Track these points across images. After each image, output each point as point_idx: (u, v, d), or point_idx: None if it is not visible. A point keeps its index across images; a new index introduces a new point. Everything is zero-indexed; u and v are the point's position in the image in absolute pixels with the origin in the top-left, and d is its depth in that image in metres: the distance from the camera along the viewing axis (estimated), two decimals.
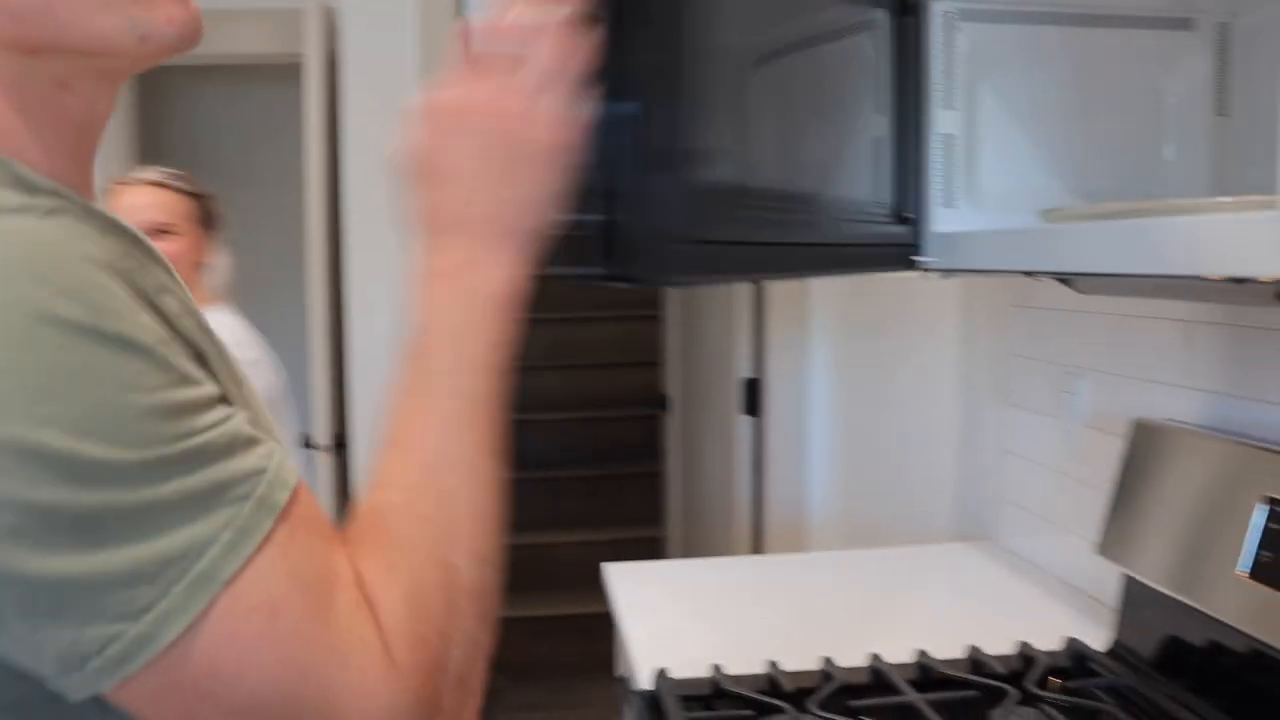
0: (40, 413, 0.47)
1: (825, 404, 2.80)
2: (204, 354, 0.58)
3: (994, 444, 1.87)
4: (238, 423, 0.54)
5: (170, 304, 0.56)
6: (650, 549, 4.26)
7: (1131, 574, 1.29)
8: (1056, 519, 1.64)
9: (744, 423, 2.90)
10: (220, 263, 2.26)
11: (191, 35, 0.63)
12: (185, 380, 0.52)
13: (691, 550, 3.54)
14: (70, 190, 0.57)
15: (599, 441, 4.82)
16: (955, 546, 1.89)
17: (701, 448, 3.30)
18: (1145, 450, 1.30)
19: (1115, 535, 1.31)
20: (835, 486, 2.74)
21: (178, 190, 2.11)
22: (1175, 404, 1.34)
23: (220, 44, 2.96)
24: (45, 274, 0.49)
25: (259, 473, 0.54)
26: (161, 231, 2.02)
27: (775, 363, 2.83)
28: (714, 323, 3.13)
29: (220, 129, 4.15)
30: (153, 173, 2.13)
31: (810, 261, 1.14)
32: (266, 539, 0.53)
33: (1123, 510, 1.31)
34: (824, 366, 2.80)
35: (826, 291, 2.77)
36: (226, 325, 2.07)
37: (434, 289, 0.67)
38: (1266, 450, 1.12)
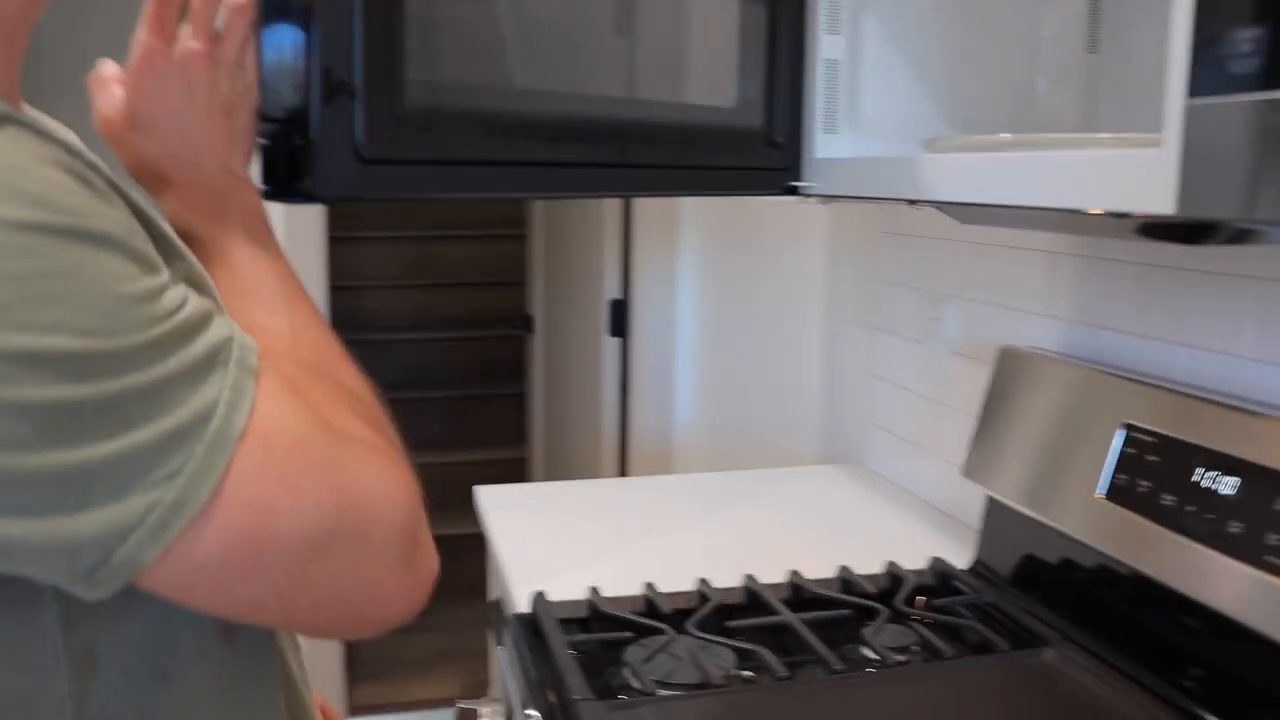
0: (45, 320, 0.50)
1: (693, 326, 2.82)
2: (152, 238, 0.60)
3: (862, 368, 1.91)
4: (198, 298, 0.59)
5: (116, 201, 0.58)
6: (515, 470, 4.26)
7: (994, 495, 1.34)
8: (923, 442, 1.70)
9: (610, 344, 2.91)
10: None
11: None
12: (155, 266, 0.56)
13: (555, 472, 3.56)
14: None
15: (463, 362, 4.77)
16: (823, 469, 1.93)
17: (567, 369, 3.30)
18: (1010, 376, 1.35)
19: (979, 458, 1.36)
20: (702, 409, 2.77)
21: None
22: (1040, 332, 1.39)
23: None
24: (10, 185, 0.50)
25: (229, 338, 0.59)
26: None
27: (643, 284, 2.83)
28: (581, 243, 3.11)
29: (70, 41, 3.90)
30: None
31: (666, 182, 1.17)
32: (259, 390, 0.58)
33: (987, 434, 1.36)
34: (692, 289, 2.82)
35: (695, 215, 2.77)
36: None
37: (201, 216, 0.76)
38: (1124, 378, 1.17)
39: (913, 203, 1.05)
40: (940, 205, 1.05)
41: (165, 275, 0.57)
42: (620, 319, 2.90)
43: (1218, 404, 1.04)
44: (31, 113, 0.65)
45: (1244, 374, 1.09)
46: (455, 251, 4.84)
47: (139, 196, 0.65)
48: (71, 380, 0.50)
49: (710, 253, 2.70)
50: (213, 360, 0.56)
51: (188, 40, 0.74)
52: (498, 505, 1.68)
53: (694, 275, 2.81)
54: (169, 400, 0.54)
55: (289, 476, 0.58)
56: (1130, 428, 1.12)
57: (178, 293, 0.57)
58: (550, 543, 1.52)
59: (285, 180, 0.89)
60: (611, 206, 2.87)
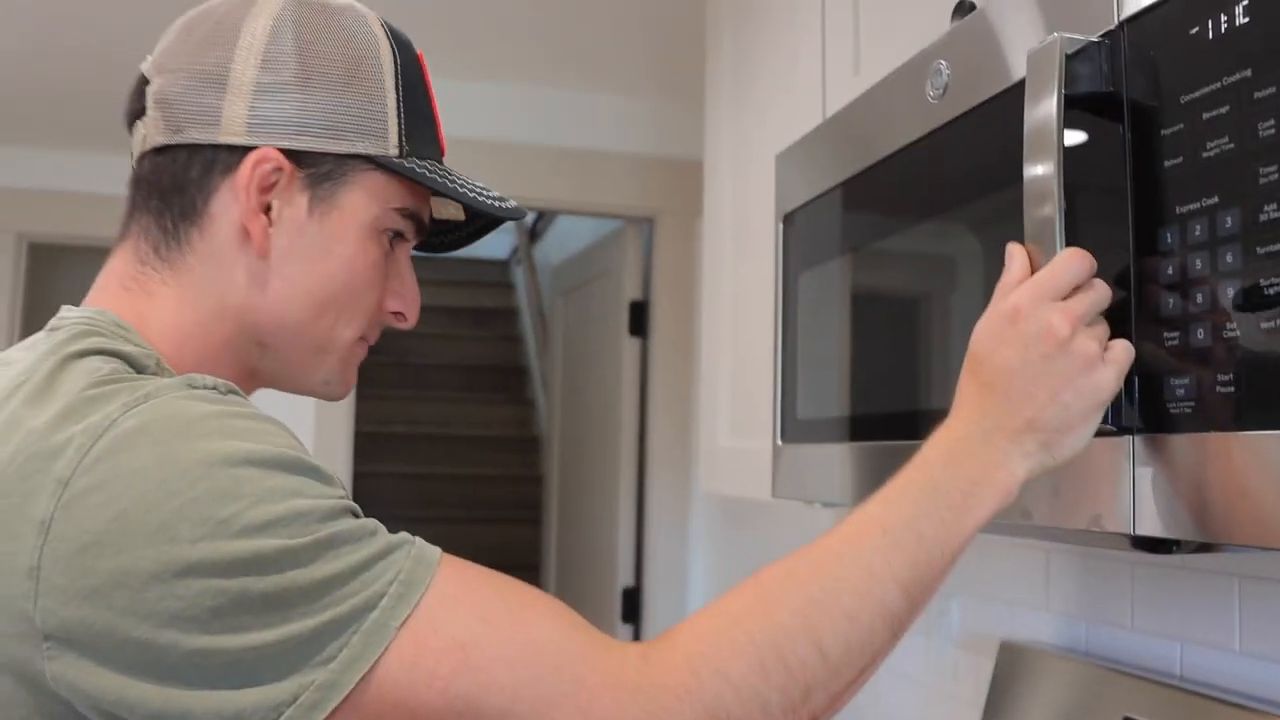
0: (228, 517, 0.60)
1: None
2: None
3: None
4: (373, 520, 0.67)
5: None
6: None
7: None
8: None
9: (623, 631, 2.93)
10: None
11: (345, 396, 0.85)
12: (342, 495, 0.66)
13: None
14: None
15: None
16: None
17: None
18: (1011, 671, 1.39)
19: None
20: None
21: None
22: (1039, 626, 1.44)
23: (107, 228, 3.01)
24: (235, 428, 0.64)
25: (409, 540, 0.65)
26: None
27: (655, 573, 2.88)
28: (595, 529, 3.18)
29: None
30: None
31: None
32: (430, 588, 0.63)
33: None
34: (703, 579, 2.87)
35: (707, 505, 2.86)
36: None
37: (932, 455, 0.75)
38: (1122, 672, 1.22)
39: None
40: None
41: (349, 503, 0.65)
42: (632, 606, 2.93)
43: (1212, 699, 1.09)
44: None
45: (1235, 667, 1.14)
46: (470, 536, 4.90)
47: None
48: (239, 574, 0.59)
49: (721, 544, 2.77)
50: (385, 555, 0.63)
51: (1056, 308, 0.72)
52: None
53: (706, 564, 2.86)
54: (331, 594, 0.60)
55: (440, 678, 0.61)
56: None
57: (362, 519, 0.65)
58: None
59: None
60: (625, 494, 2.96)
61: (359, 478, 2.79)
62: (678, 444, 2.90)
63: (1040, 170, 0.77)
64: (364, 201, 0.78)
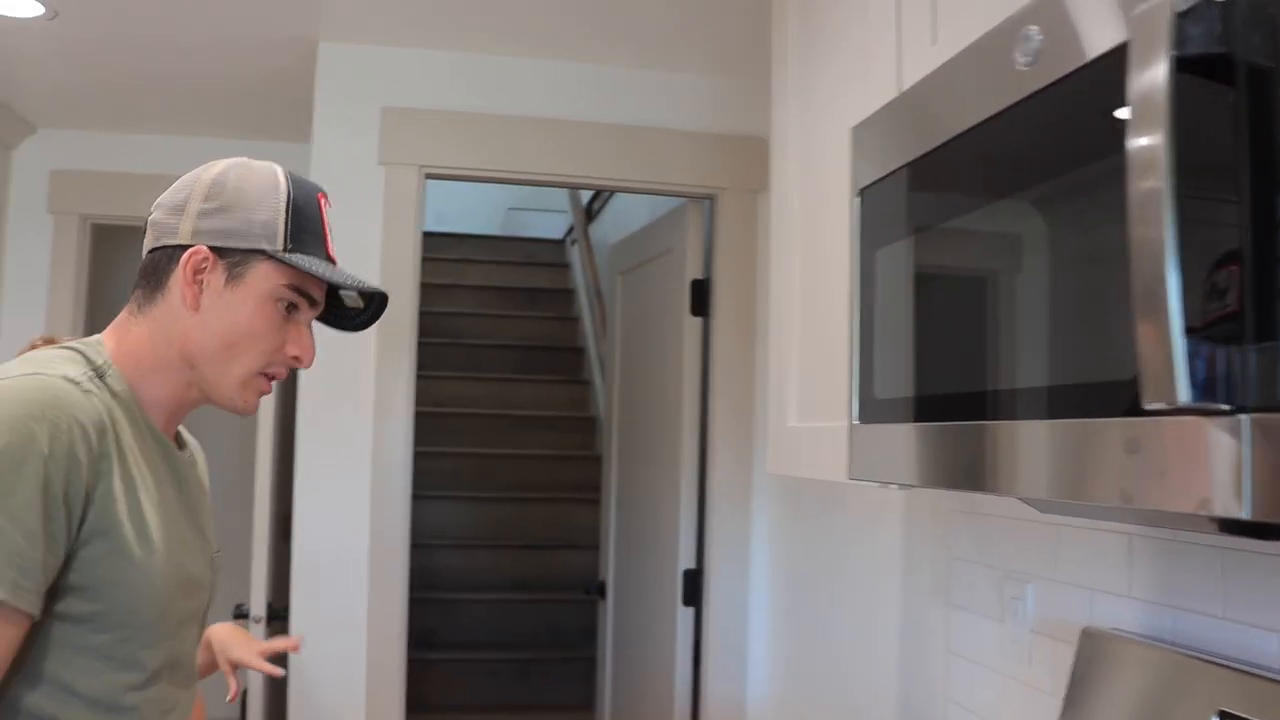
0: None
1: (766, 599, 2.82)
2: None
3: (939, 645, 1.90)
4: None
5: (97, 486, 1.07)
6: None
7: None
8: None
9: (684, 613, 2.91)
10: None
11: (250, 412, 1.23)
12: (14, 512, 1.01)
13: None
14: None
15: (534, 624, 4.75)
16: None
17: (639, 635, 3.29)
18: (1094, 659, 1.35)
19: None
20: (775, 682, 2.73)
21: None
22: (1120, 612, 1.40)
23: None
24: (40, 412, 1.05)
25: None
26: None
27: (716, 555, 2.85)
28: (655, 510, 3.16)
29: None
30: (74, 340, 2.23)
31: None
32: None
33: (1074, 717, 1.35)
34: (765, 561, 2.84)
35: (770, 486, 2.83)
36: None
37: None
38: (1213, 663, 1.17)
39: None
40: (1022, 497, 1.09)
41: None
42: (693, 588, 2.91)
43: None
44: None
45: None
46: (531, 514, 4.91)
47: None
48: None
49: (784, 526, 2.74)
50: None
51: None
52: None
53: (767, 548, 2.83)
54: None
55: None
56: (1225, 716, 1.12)
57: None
58: None
59: None
60: (687, 475, 2.93)
61: (415, 458, 2.79)
62: (740, 425, 2.87)
63: (1146, 139, 0.73)
64: (260, 279, 1.18)
